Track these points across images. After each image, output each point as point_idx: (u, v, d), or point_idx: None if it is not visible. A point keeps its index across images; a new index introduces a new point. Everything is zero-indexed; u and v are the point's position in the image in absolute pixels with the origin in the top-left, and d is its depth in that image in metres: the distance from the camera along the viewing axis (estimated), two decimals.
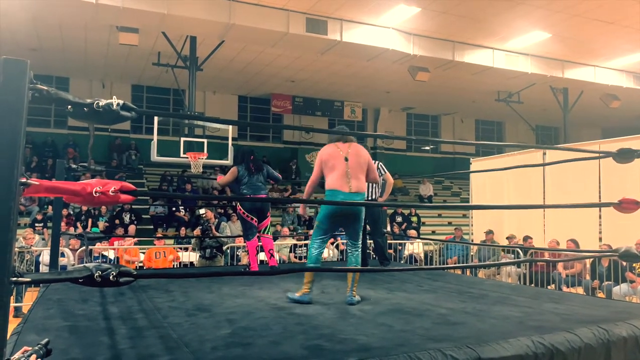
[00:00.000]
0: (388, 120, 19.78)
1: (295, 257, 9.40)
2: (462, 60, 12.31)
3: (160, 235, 11.33)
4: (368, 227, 5.93)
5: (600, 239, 7.92)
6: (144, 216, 12.45)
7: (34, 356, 1.71)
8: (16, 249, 7.26)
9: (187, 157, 10.72)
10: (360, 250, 4.10)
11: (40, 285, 4.43)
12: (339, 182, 3.86)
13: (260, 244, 5.71)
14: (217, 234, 7.77)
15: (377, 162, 5.62)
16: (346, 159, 3.90)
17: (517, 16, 10.59)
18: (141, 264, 8.79)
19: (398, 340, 2.67)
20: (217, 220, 8.17)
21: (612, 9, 10.09)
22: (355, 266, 4.04)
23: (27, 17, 10.21)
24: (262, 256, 9.20)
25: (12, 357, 1.69)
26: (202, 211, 10.09)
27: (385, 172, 5.63)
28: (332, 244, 10.21)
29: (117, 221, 11.27)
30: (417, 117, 20.71)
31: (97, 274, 1.71)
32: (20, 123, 1.62)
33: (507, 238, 9.23)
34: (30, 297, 6.85)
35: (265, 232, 5.58)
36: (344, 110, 18.13)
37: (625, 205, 2.94)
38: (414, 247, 10.30)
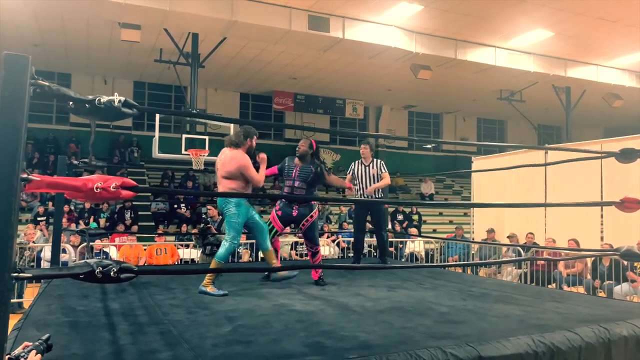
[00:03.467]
0: (390, 118, 19.77)
1: (297, 254, 9.41)
2: (464, 59, 12.29)
3: (161, 231, 11.35)
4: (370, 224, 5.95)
5: (601, 238, 7.90)
6: (145, 213, 12.45)
7: (34, 351, 1.71)
8: (16, 245, 7.26)
9: (189, 154, 10.74)
10: (225, 247, 4.14)
11: (42, 281, 4.44)
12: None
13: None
14: (215, 231, 7.76)
15: (378, 160, 5.86)
16: (217, 169, 4.33)
17: (520, 14, 10.56)
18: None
19: (398, 337, 2.67)
20: (220, 217, 8.17)
21: (615, 8, 10.05)
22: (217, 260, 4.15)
23: (30, 13, 10.21)
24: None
25: (12, 353, 1.69)
26: (204, 209, 10.06)
27: (384, 172, 5.75)
28: (333, 241, 10.21)
29: (122, 224, 11.23)
30: (419, 115, 20.69)
31: (98, 270, 1.71)
32: (21, 118, 1.62)
33: (508, 237, 9.22)
34: (31, 292, 6.86)
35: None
36: (346, 108, 18.11)
37: (627, 205, 2.93)
38: (415, 246, 10.29)
